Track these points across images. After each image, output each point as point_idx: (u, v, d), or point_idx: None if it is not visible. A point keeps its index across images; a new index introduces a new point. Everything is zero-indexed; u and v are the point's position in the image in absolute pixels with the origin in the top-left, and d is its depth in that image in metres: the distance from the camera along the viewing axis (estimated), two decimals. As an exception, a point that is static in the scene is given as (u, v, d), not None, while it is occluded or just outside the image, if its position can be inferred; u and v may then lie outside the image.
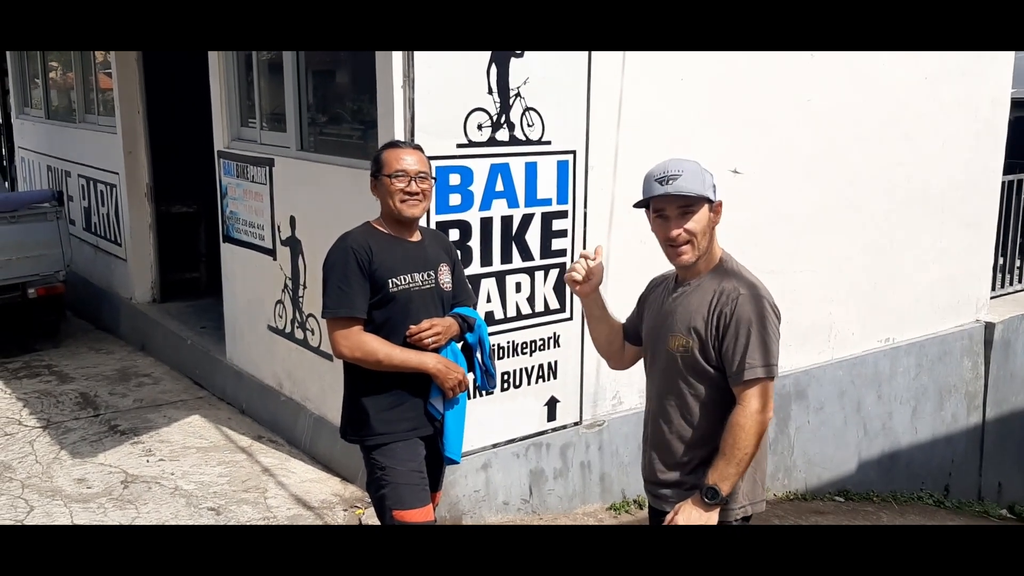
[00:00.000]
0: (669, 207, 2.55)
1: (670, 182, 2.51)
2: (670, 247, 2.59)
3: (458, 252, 3.46)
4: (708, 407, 2.58)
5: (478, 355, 3.27)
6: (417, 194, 3.07)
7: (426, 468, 3.16)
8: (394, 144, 3.19)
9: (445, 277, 3.20)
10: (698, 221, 2.54)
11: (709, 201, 2.55)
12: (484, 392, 3.30)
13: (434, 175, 3.21)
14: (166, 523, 4.32)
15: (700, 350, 2.55)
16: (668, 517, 2.57)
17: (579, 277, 2.75)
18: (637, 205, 2.64)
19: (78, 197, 8.35)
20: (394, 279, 3.04)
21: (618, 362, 3.00)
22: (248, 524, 4.31)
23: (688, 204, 2.53)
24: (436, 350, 3.09)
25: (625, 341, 2.93)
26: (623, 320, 2.97)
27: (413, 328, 3.04)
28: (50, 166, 9.03)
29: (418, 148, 3.17)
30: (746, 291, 2.53)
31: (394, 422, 3.08)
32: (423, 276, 3.11)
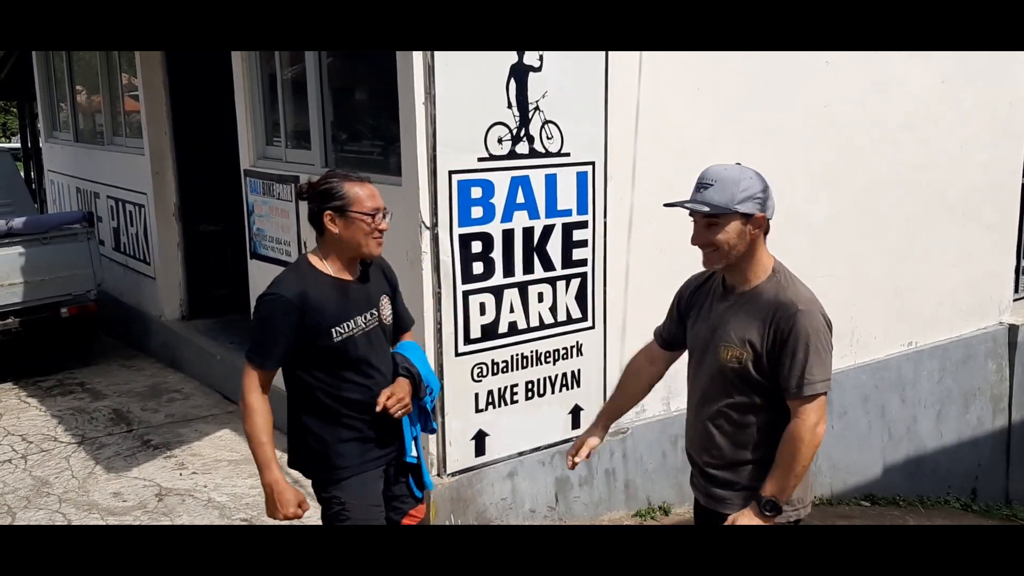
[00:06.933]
0: (696, 215, 2.57)
1: (701, 191, 2.52)
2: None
3: (396, 275, 3.27)
4: (759, 413, 2.61)
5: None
6: (384, 231, 2.96)
7: (403, 487, 3.19)
8: (349, 177, 2.96)
9: (387, 311, 3.08)
10: (726, 232, 2.51)
11: (743, 215, 2.51)
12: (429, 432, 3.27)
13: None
14: (200, 534, 4.41)
15: (754, 362, 2.55)
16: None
17: (578, 461, 2.92)
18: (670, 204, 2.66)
19: (107, 218, 8.51)
20: (337, 328, 2.88)
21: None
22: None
23: (713, 216, 2.52)
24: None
25: (662, 349, 2.93)
26: (655, 327, 2.97)
27: (381, 401, 2.93)
28: (79, 188, 9.21)
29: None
30: (804, 307, 2.52)
31: (353, 455, 2.99)
32: (365, 317, 2.97)
